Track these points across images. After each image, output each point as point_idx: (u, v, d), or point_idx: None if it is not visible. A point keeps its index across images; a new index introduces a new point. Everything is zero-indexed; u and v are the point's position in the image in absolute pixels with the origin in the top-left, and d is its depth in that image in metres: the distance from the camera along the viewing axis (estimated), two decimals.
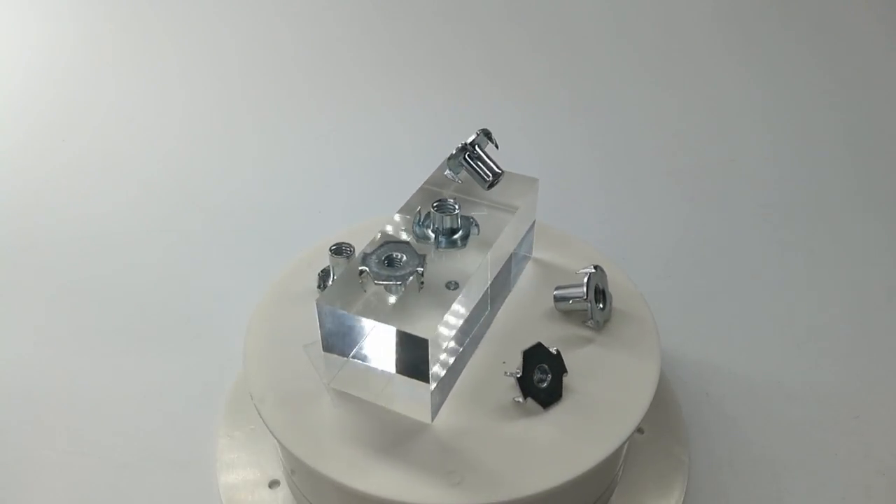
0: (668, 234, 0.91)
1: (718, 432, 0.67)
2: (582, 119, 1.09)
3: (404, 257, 0.51)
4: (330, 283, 0.59)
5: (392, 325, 0.49)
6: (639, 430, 0.62)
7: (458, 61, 1.19)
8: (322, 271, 0.62)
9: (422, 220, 0.56)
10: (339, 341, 0.52)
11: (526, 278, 0.64)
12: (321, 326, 0.51)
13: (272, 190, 0.97)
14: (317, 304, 0.51)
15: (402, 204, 0.59)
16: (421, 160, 1.02)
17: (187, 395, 0.71)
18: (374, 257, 0.51)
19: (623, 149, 1.04)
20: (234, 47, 1.22)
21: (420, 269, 0.50)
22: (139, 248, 0.88)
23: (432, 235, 0.56)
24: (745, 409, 0.69)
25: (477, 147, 0.59)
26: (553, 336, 0.58)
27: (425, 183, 0.61)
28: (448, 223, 0.56)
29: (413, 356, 0.49)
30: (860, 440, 0.67)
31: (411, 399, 0.52)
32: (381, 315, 0.49)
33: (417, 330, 0.48)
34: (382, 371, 0.52)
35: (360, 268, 0.50)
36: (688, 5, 1.24)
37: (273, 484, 0.61)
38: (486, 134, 0.60)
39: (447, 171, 0.60)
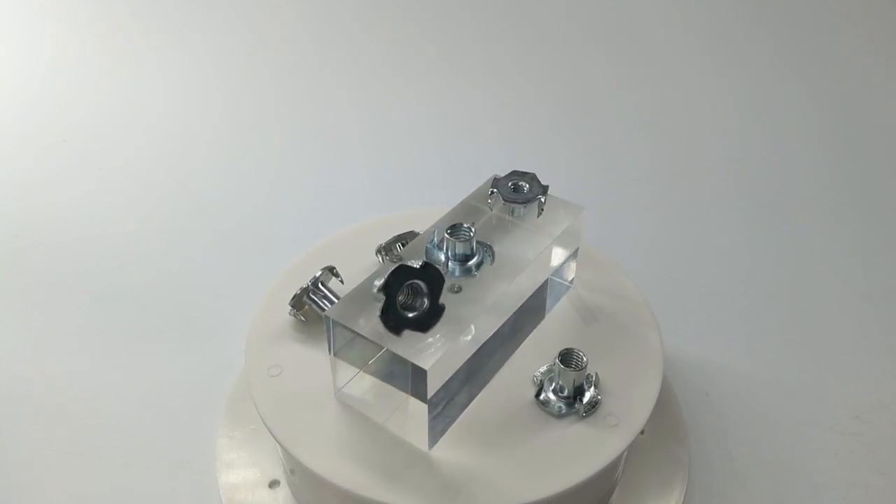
0: (667, 234, 0.90)
1: (718, 432, 0.67)
2: (582, 119, 1.09)
3: (527, 186, 0.57)
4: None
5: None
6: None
7: (458, 62, 1.19)
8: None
9: (436, 242, 0.54)
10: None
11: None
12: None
13: (272, 189, 0.97)
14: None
15: (401, 203, 0.58)
16: (421, 160, 1.02)
17: (187, 395, 0.71)
18: (504, 183, 0.57)
19: (623, 149, 1.04)
20: (235, 47, 1.22)
21: (542, 198, 0.56)
22: (139, 247, 0.88)
23: (443, 261, 0.53)
24: (745, 409, 0.69)
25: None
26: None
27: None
28: (461, 249, 0.53)
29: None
30: (860, 440, 0.67)
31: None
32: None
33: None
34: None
35: (490, 189, 0.57)
36: (691, 6, 1.24)
37: (273, 484, 0.61)
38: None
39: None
